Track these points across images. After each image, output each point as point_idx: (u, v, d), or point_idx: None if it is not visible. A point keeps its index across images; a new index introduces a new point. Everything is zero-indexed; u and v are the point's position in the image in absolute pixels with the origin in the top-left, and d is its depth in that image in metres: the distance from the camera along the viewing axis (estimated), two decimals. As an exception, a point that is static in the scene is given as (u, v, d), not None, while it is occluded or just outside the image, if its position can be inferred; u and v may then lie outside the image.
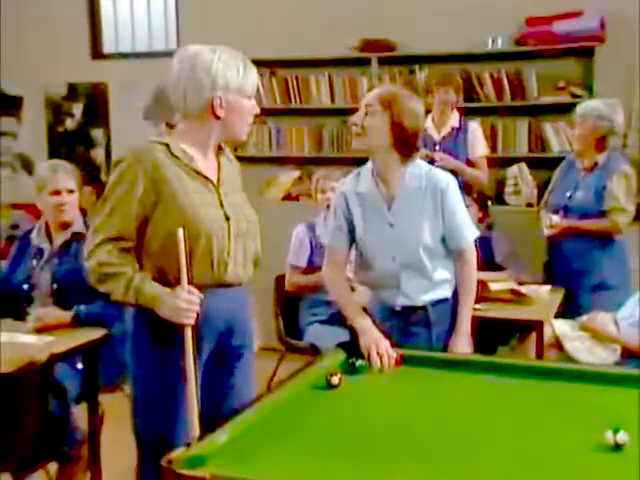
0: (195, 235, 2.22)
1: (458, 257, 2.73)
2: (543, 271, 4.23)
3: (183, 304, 2.18)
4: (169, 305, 2.19)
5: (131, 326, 2.36)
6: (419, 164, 2.71)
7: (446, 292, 2.74)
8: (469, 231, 2.74)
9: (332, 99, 5.68)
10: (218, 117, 2.29)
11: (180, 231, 2.17)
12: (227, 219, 2.31)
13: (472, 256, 2.75)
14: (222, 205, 2.32)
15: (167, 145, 2.28)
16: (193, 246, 2.22)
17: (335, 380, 2.17)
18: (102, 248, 2.22)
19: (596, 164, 4.03)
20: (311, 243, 4.01)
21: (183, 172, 2.27)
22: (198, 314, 2.21)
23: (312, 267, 3.96)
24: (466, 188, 4.65)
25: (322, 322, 3.93)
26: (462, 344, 2.70)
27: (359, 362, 2.33)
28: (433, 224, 2.65)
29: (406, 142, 2.58)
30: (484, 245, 4.07)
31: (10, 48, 6.58)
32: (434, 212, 2.64)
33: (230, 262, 2.31)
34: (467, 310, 2.74)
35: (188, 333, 2.19)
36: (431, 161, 4.61)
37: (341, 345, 2.46)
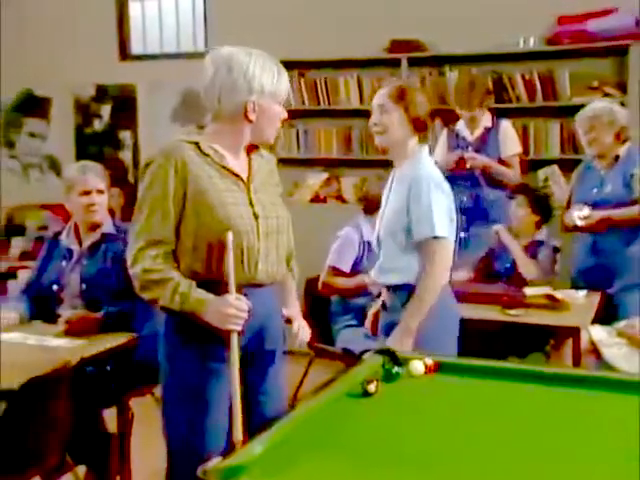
0: (224, 235, 2.19)
1: (418, 249, 2.74)
2: (577, 274, 4.14)
3: (231, 310, 2.15)
4: (216, 311, 2.16)
5: (163, 329, 2.34)
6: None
7: (404, 279, 2.76)
8: (427, 225, 2.71)
9: (361, 100, 5.62)
10: (250, 121, 2.27)
11: (229, 235, 2.17)
12: (256, 217, 2.28)
13: (431, 251, 2.72)
14: (251, 203, 2.29)
15: (197, 143, 2.26)
16: (220, 247, 2.19)
17: (372, 388, 2.11)
18: (145, 254, 2.19)
19: (617, 157, 3.97)
20: (359, 246, 3.97)
21: (213, 170, 2.25)
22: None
23: (355, 270, 3.93)
24: (501, 186, 4.61)
25: (355, 327, 3.87)
26: (395, 339, 2.72)
27: (395, 369, 2.27)
28: (402, 210, 2.77)
29: (423, 123, 2.80)
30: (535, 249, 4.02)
31: (39, 50, 6.61)
32: (406, 200, 2.75)
33: (261, 260, 2.28)
34: (412, 306, 2.73)
35: (234, 340, 2.16)
36: (462, 162, 4.57)
37: (377, 351, 2.41)
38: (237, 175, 2.29)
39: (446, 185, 2.83)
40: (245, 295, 2.22)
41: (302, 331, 2.46)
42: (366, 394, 2.11)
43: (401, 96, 2.77)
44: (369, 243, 3.94)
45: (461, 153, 4.62)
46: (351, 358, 3.69)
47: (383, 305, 2.94)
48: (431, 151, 3.17)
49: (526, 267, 3.94)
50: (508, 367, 2.40)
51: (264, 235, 2.29)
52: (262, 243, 2.29)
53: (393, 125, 2.77)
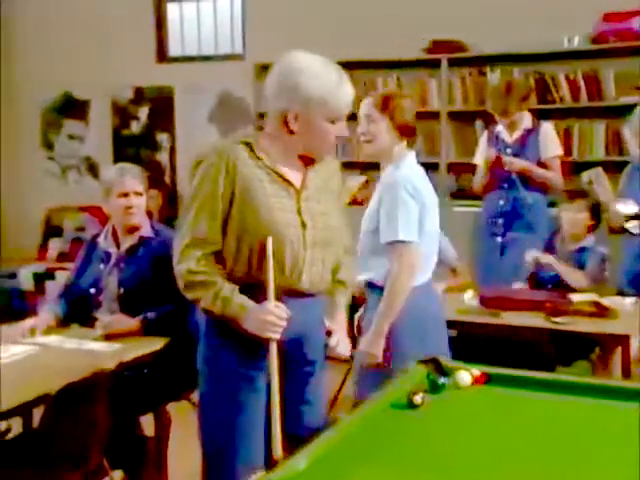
0: (280, 243, 2.16)
1: (386, 250, 2.77)
2: (624, 280, 4.01)
3: (270, 317, 2.11)
4: (255, 318, 2.12)
5: (204, 330, 2.31)
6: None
7: (376, 277, 2.80)
8: (392, 229, 2.73)
9: (400, 102, 5.54)
10: (291, 131, 2.19)
11: (269, 240, 2.11)
12: (303, 226, 2.22)
13: (397, 254, 2.73)
14: (300, 211, 2.22)
15: (250, 145, 2.21)
16: (265, 253, 2.14)
17: (418, 399, 2.04)
18: (191, 254, 2.17)
19: None
20: None
21: (263, 174, 2.20)
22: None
23: None
24: (540, 189, 4.50)
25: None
26: (366, 340, 2.78)
27: (441, 380, 2.20)
28: (375, 212, 2.83)
29: (410, 129, 2.85)
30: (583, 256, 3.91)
31: (77, 52, 6.65)
32: (378, 203, 2.82)
33: (305, 271, 2.23)
34: (380, 307, 2.75)
35: (273, 348, 2.11)
36: (499, 164, 4.46)
37: (422, 361, 2.33)
38: (288, 181, 2.23)
39: (426, 192, 2.85)
40: (285, 303, 2.17)
41: (341, 345, 2.37)
42: (412, 405, 2.04)
43: (386, 105, 2.82)
44: None
45: (499, 153, 4.51)
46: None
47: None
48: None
49: (574, 279, 3.83)
50: (558, 379, 2.32)
51: (310, 245, 2.23)
52: (308, 253, 2.22)
53: (381, 133, 2.83)
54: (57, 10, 6.77)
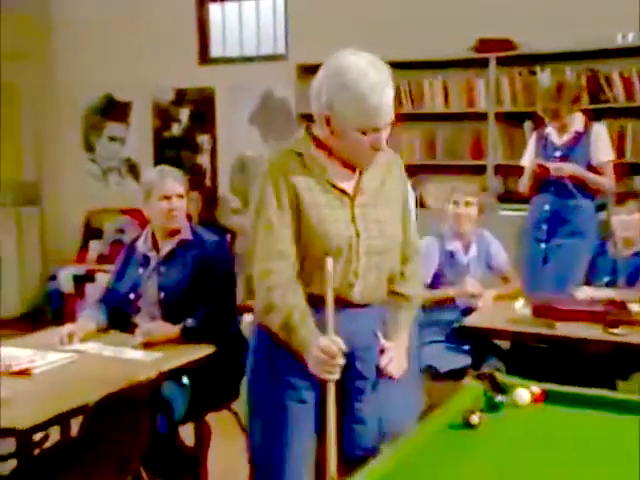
0: (321, 252, 2.04)
1: None
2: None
3: (325, 357, 1.97)
4: (313, 357, 2.00)
5: (253, 342, 2.23)
6: None
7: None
8: None
9: (446, 103, 5.40)
10: (333, 134, 2.07)
11: (329, 261, 1.97)
12: (357, 235, 2.10)
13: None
14: (354, 220, 2.11)
15: (301, 154, 2.11)
16: (317, 264, 2.04)
17: (475, 419, 1.92)
18: (268, 271, 2.06)
19: None
20: (439, 256, 3.75)
21: (315, 183, 2.10)
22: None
23: (435, 282, 3.71)
24: (591, 194, 4.33)
25: (439, 342, 3.66)
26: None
27: (498, 398, 2.07)
28: None
29: None
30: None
31: (119, 54, 6.63)
32: None
33: (358, 282, 2.11)
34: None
35: (331, 389, 1.98)
36: (543, 169, 4.30)
37: (477, 377, 2.20)
38: (341, 189, 2.12)
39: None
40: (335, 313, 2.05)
41: (392, 365, 2.22)
42: (469, 426, 1.92)
43: None
44: (452, 253, 3.74)
45: (543, 161, 4.34)
46: (435, 375, 3.52)
47: None
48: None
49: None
50: (620, 398, 2.18)
51: (364, 255, 2.11)
52: (361, 263, 2.11)
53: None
54: (99, 12, 6.76)
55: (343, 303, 2.10)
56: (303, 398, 2.14)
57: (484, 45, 5.19)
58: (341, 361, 1.97)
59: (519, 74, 5.22)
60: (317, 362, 1.98)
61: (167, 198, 3.16)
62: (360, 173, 2.15)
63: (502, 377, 2.23)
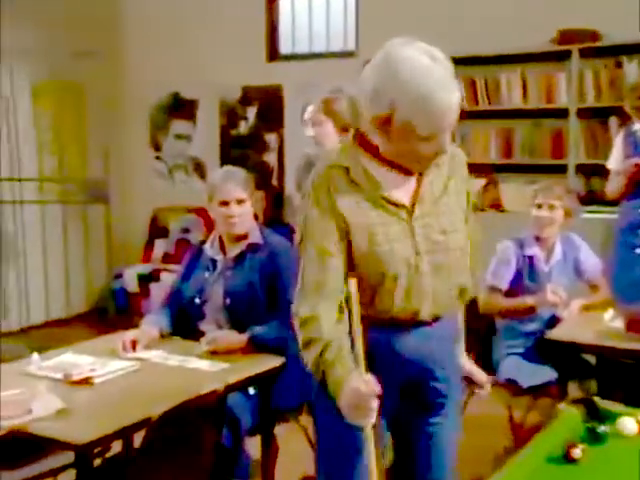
0: (378, 275, 1.84)
1: None
2: None
3: (356, 401, 1.72)
4: (345, 402, 1.75)
5: None
6: None
7: None
8: None
9: (524, 99, 5.13)
10: (386, 136, 1.82)
11: (353, 283, 1.73)
12: (417, 253, 1.87)
13: None
14: (413, 235, 1.88)
15: (347, 169, 1.88)
16: (376, 286, 1.85)
17: (577, 453, 1.71)
18: (313, 317, 1.84)
19: None
20: (517, 262, 3.51)
21: (365, 199, 1.87)
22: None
23: (514, 289, 3.46)
24: None
25: (519, 355, 3.42)
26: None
27: (601, 428, 1.85)
28: None
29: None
30: None
31: (187, 51, 6.56)
32: None
33: (425, 302, 1.90)
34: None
35: (369, 434, 1.74)
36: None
37: (575, 402, 1.99)
38: (395, 203, 1.88)
39: None
40: (403, 334, 1.89)
41: (481, 376, 2.04)
42: (570, 460, 1.70)
43: (328, 109, 3.24)
44: (532, 259, 3.48)
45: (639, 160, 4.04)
46: (516, 390, 3.30)
47: None
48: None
49: None
50: None
51: (430, 271, 1.89)
52: (426, 280, 1.88)
53: (327, 136, 3.28)
54: (167, 10, 6.71)
55: (412, 323, 1.91)
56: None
57: (566, 37, 4.90)
58: (374, 404, 1.72)
59: (604, 67, 4.91)
60: (353, 408, 1.74)
61: (225, 204, 3.02)
62: (419, 177, 1.91)
63: (602, 403, 2.01)
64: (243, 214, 3.04)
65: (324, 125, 3.51)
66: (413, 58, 1.76)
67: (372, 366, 1.78)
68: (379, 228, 1.86)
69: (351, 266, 1.85)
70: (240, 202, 3.03)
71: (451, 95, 1.76)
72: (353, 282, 1.74)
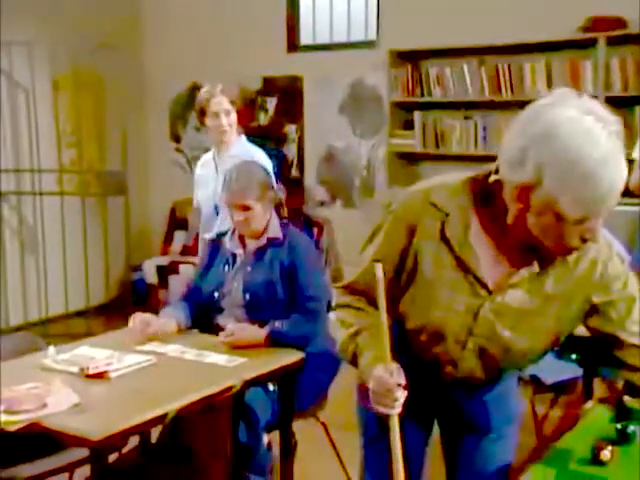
0: (434, 336, 1.73)
1: None
2: None
3: (378, 387, 1.64)
4: (371, 387, 1.67)
5: None
6: None
7: None
8: None
9: (549, 88, 5.01)
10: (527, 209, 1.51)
11: (379, 267, 1.61)
12: (470, 333, 1.70)
13: None
14: (477, 315, 1.67)
15: (448, 214, 1.63)
16: (430, 344, 1.74)
17: (606, 455, 1.64)
18: (345, 303, 1.80)
19: None
20: None
21: (448, 255, 1.65)
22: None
23: None
24: None
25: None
26: None
27: (631, 428, 1.78)
28: None
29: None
30: None
31: (207, 42, 6.51)
32: None
33: (458, 372, 1.78)
34: None
35: (394, 424, 1.66)
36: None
37: (601, 400, 1.92)
38: (480, 280, 1.64)
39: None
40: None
41: None
42: (599, 462, 1.64)
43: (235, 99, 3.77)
44: None
45: None
46: (540, 386, 3.23)
47: None
48: None
49: None
50: None
51: (475, 356, 1.73)
52: (467, 363, 1.75)
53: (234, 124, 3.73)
54: (186, 1, 6.66)
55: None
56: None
57: (593, 24, 4.77)
58: (399, 394, 1.62)
59: (631, 55, 4.79)
60: (372, 395, 1.66)
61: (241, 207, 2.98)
62: (530, 262, 1.63)
63: (631, 401, 1.94)
64: (251, 216, 2.97)
65: (231, 115, 3.80)
66: (574, 120, 1.43)
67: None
68: (447, 292, 1.66)
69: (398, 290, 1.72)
70: (246, 209, 2.96)
71: (616, 173, 1.43)
72: (379, 267, 1.61)
